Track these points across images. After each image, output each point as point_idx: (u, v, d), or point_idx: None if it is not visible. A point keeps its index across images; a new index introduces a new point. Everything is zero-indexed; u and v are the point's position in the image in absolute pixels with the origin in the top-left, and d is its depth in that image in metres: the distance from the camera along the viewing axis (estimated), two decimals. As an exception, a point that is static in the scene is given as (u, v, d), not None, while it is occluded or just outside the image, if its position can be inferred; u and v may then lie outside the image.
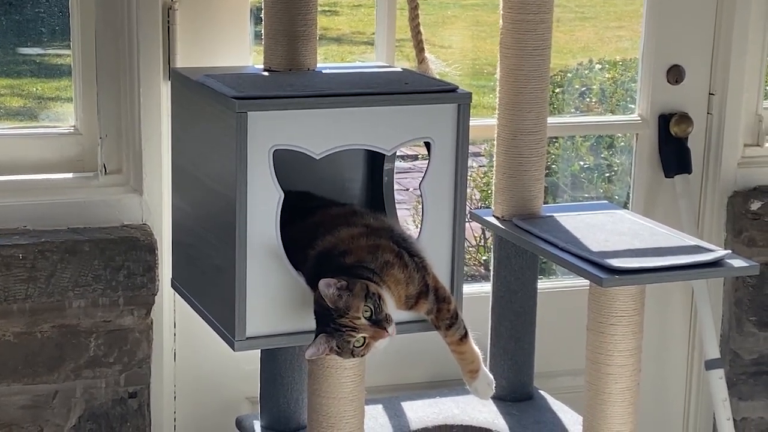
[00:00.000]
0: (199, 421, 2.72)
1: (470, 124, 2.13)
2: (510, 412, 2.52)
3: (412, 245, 2.11)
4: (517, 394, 2.57)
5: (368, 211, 2.22)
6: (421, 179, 2.14)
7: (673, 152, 2.97)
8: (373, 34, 2.79)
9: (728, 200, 3.02)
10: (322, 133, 2.05)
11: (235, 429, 2.52)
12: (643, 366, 2.26)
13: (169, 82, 2.44)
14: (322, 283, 1.93)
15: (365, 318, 1.95)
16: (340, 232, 2.08)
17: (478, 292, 2.79)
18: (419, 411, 2.53)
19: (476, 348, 2.11)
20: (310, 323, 2.04)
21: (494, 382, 2.15)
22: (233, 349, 2.07)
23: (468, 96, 2.13)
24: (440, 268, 2.14)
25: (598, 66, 3.28)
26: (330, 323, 1.95)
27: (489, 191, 3.32)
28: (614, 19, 3.36)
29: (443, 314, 2.08)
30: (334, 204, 2.26)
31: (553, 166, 3.26)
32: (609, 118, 3.13)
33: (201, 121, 2.18)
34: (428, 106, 2.11)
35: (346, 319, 1.94)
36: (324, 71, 2.32)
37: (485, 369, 2.13)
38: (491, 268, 2.57)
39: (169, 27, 2.54)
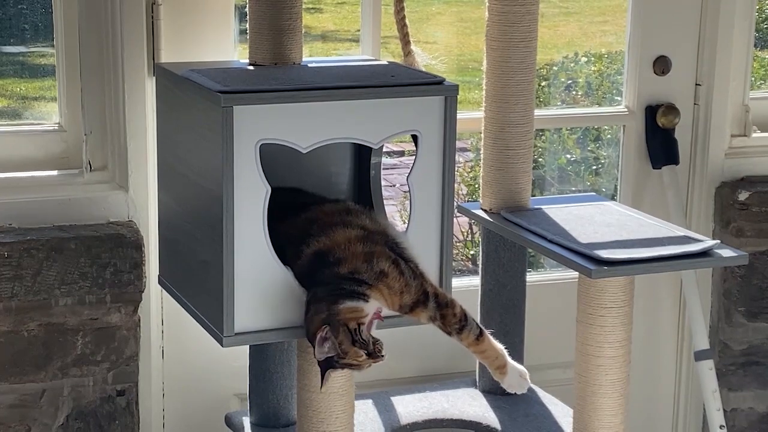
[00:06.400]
0: (188, 418, 2.71)
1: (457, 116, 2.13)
2: (500, 406, 2.52)
3: (405, 250, 2.09)
4: (507, 388, 2.57)
5: (361, 208, 2.20)
6: (408, 173, 2.13)
7: (660, 143, 2.97)
8: (358, 31, 2.77)
9: (716, 191, 3.02)
10: (309, 127, 2.04)
11: (225, 426, 2.52)
12: (632, 357, 2.25)
13: (154, 78, 2.42)
14: (316, 346, 1.94)
15: (364, 356, 1.96)
16: (336, 234, 2.06)
17: (466, 286, 2.78)
18: (409, 405, 2.52)
19: (497, 343, 2.09)
20: (299, 318, 2.03)
21: (527, 372, 2.13)
22: (222, 345, 2.06)
23: (455, 88, 2.12)
24: (429, 261, 2.13)
25: (584, 59, 3.27)
26: (335, 363, 1.97)
27: (476, 186, 3.31)
28: (598, 14, 3.36)
29: (449, 320, 2.05)
30: (325, 200, 2.24)
31: (540, 159, 3.25)
32: (596, 109, 3.13)
33: (186, 116, 2.17)
34: (415, 99, 2.10)
35: (348, 360, 1.95)
36: (310, 65, 2.31)
37: (513, 362, 2.11)
38: (479, 261, 2.57)
39: (153, 22, 2.52)
